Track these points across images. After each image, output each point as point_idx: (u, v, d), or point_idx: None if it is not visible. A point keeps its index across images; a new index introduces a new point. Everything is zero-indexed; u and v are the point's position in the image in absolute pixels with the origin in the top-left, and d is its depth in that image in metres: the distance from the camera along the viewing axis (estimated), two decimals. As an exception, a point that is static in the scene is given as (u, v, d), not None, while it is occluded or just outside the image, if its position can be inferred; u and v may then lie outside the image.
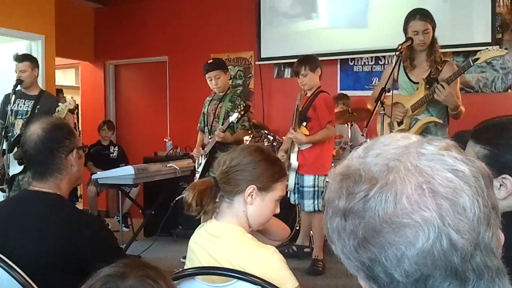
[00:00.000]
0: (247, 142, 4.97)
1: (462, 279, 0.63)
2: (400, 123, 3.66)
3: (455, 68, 3.62)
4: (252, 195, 1.63)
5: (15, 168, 4.39)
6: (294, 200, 4.40)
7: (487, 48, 3.40)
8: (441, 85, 3.35)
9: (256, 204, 1.65)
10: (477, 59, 3.33)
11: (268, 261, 1.52)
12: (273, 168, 1.67)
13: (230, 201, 1.66)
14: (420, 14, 3.59)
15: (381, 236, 0.63)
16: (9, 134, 4.35)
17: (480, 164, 0.67)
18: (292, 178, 4.33)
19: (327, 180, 4.40)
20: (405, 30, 3.66)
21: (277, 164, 1.72)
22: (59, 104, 4.45)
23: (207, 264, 1.62)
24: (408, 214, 0.62)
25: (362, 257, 0.65)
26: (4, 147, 4.33)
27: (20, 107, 4.60)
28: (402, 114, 3.62)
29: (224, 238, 1.63)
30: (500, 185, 1.34)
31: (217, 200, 1.69)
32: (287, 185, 4.39)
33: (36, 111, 4.56)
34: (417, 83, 3.63)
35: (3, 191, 4.44)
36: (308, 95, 4.31)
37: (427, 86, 3.56)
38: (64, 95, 7.38)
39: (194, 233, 1.74)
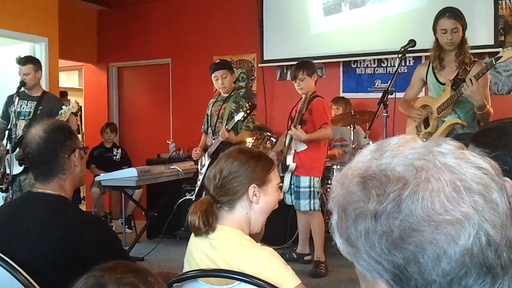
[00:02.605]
0: (250, 144, 4.98)
1: (494, 276, 0.63)
2: (426, 126, 3.61)
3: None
4: (256, 193, 1.67)
5: (16, 169, 4.42)
6: (291, 201, 4.43)
7: (510, 47, 3.30)
8: (470, 79, 3.23)
9: (262, 200, 1.69)
10: (499, 57, 3.22)
11: (265, 262, 1.54)
12: (262, 162, 1.72)
13: (231, 208, 1.68)
14: (449, 13, 3.51)
15: (420, 235, 0.63)
16: (13, 136, 4.37)
17: (493, 162, 0.68)
18: (287, 179, 4.38)
19: (328, 182, 4.43)
20: (434, 28, 3.58)
21: (263, 157, 1.77)
22: (62, 107, 4.46)
23: (205, 267, 1.62)
24: (449, 211, 0.62)
25: (396, 258, 0.65)
26: (8, 147, 4.35)
27: (23, 108, 4.62)
28: (420, 115, 3.58)
29: (223, 240, 1.64)
30: None
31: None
32: (281, 186, 4.42)
33: (38, 112, 4.57)
34: (444, 84, 3.55)
35: (3, 190, 4.46)
36: (303, 99, 4.35)
37: (454, 88, 3.45)
38: (69, 97, 7.40)
39: (192, 236, 1.73)
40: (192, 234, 1.73)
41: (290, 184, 4.40)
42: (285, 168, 4.37)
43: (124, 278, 0.98)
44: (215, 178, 1.68)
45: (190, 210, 1.66)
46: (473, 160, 0.66)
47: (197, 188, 4.56)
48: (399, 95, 3.73)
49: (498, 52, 3.34)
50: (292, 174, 4.38)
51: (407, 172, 0.66)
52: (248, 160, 1.69)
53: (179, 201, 5.10)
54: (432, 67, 3.66)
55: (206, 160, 4.50)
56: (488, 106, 3.40)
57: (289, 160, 4.36)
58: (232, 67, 4.68)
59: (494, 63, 3.27)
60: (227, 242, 1.63)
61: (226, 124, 4.33)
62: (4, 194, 4.45)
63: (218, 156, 4.72)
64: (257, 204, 1.69)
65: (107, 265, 1.02)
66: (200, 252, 1.67)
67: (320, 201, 4.38)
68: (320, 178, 4.43)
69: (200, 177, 4.52)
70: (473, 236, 0.61)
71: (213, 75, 4.48)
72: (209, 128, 4.62)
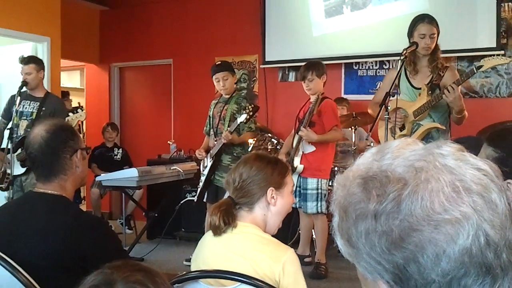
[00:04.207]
0: (251, 145, 4.98)
1: (494, 276, 0.63)
2: (402, 129, 3.67)
3: (456, 73, 3.64)
4: (274, 196, 1.79)
5: (17, 170, 4.41)
6: (295, 204, 4.40)
7: (492, 56, 3.41)
8: (451, 86, 3.35)
9: (279, 203, 1.81)
10: (481, 66, 3.35)
11: (289, 258, 1.66)
12: (278, 166, 1.85)
13: (250, 209, 1.79)
14: (428, 18, 3.62)
15: (420, 235, 0.63)
16: (14, 136, 4.37)
17: (493, 164, 0.69)
18: (294, 181, 4.34)
19: (330, 184, 4.41)
20: (410, 33, 3.66)
21: (279, 162, 1.91)
22: (69, 114, 4.45)
23: (227, 261, 1.66)
24: (448, 210, 0.63)
25: (396, 258, 0.65)
26: (9, 146, 4.35)
27: (25, 108, 4.61)
28: (401, 120, 3.63)
29: (248, 233, 1.73)
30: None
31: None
32: None
33: (41, 113, 4.56)
34: (419, 88, 3.63)
35: (3, 190, 4.46)
36: (312, 100, 4.33)
37: (430, 92, 3.56)
38: (70, 97, 7.40)
39: (208, 237, 1.78)
40: (207, 236, 1.80)
41: (297, 186, 4.36)
42: (292, 170, 4.34)
43: (132, 276, 0.99)
44: (234, 182, 1.79)
45: (209, 212, 1.75)
46: (473, 161, 0.67)
47: (199, 189, 4.56)
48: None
49: (498, 55, 3.43)
50: (299, 176, 4.36)
51: (407, 172, 0.66)
52: (266, 165, 1.82)
53: (181, 202, 5.11)
54: (405, 71, 3.71)
55: (208, 162, 4.49)
56: (464, 110, 3.53)
57: (297, 161, 4.33)
58: (233, 68, 4.67)
59: (475, 71, 3.41)
60: (252, 234, 1.73)
61: (228, 126, 4.32)
62: (6, 194, 4.45)
63: (221, 157, 4.73)
64: (275, 206, 1.80)
65: (117, 264, 1.03)
66: (220, 247, 1.72)
67: (327, 203, 4.33)
68: (328, 180, 4.40)
69: (202, 178, 4.51)
70: (472, 235, 0.62)
71: (214, 77, 4.47)
72: (211, 130, 4.61)
